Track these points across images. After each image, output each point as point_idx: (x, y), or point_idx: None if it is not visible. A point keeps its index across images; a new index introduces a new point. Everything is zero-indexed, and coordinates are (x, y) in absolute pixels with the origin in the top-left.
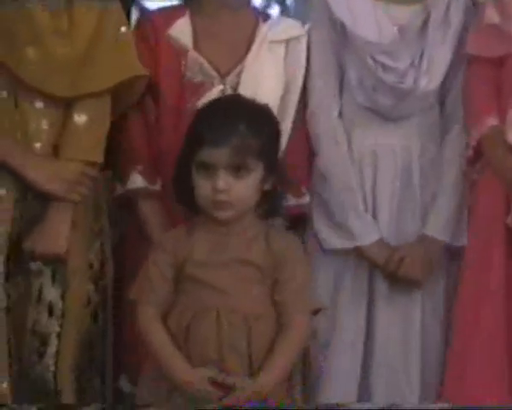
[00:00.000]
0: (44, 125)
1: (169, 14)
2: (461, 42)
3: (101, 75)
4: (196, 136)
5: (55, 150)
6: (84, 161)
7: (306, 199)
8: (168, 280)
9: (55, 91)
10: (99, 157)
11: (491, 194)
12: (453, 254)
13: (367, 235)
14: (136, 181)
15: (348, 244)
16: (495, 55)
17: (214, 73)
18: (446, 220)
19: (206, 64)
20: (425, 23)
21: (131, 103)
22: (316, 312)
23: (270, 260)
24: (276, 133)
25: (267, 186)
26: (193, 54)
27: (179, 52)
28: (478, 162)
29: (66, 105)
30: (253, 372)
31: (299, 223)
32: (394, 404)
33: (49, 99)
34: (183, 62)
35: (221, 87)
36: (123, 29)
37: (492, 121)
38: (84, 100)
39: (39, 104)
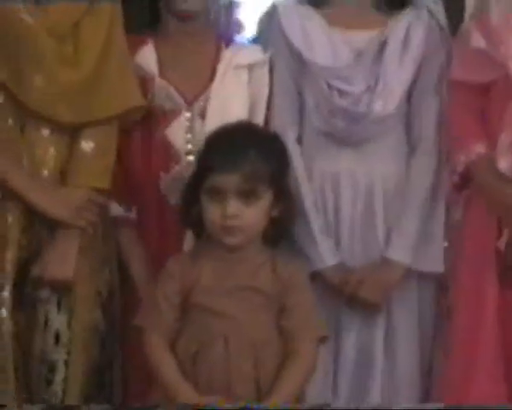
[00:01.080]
0: (51, 152)
1: (133, 41)
2: (424, 63)
3: (109, 102)
4: (206, 161)
5: (63, 177)
6: (92, 187)
7: None
8: (175, 307)
9: (61, 118)
10: (106, 184)
11: (481, 219)
12: (425, 277)
13: (324, 259)
14: (115, 208)
15: (307, 267)
16: (484, 81)
17: (181, 101)
18: (409, 244)
19: (172, 91)
20: (382, 47)
21: (125, 129)
22: (322, 340)
23: (277, 286)
24: (285, 161)
25: (274, 213)
26: (159, 81)
27: (145, 80)
28: (465, 189)
29: (73, 132)
30: (260, 398)
31: None
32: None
33: (56, 126)
34: (150, 90)
35: (188, 114)
36: (129, 58)
37: (480, 148)
38: (91, 127)
39: (46, 131)
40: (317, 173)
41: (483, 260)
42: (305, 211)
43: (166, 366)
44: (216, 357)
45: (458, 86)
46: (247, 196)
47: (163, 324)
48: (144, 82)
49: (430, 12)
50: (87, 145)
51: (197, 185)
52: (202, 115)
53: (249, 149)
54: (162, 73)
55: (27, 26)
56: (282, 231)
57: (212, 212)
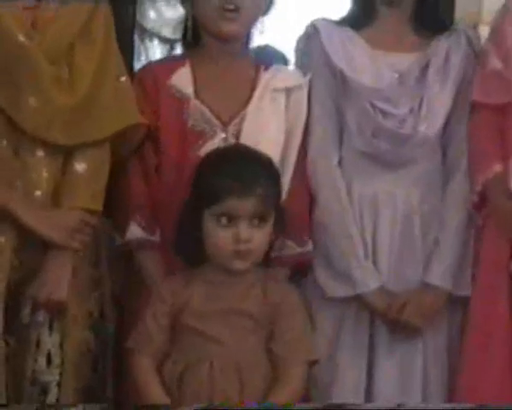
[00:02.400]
0: (44, 173)
1: (170, 64)
2: (461, 89)
3: (101, 124)
4: (215, 186)
5: (55, 198)
6: (84, 209)
7: (309, 247)
8: (165, 330)
9: (55, 141)
10: (99, 205)
11: (495, 240)
12: (455, 301)
13: (367, 282)
14: (135, 232)
15: (349, 292)
16: (498, 102)
17: (216, 122)
18: (449, 269)
19: (207, 112)
20: (424, 70)
21: (130, 151)
22: (312, 363)
23: (267, 310)
24: (280, 182)
25: (273, 235)
26: (195, 102)
27: (181, 101)
28: (484, 208)
29: (66, 153)
30: None
31: (298, 270)
32: (401, 404)
33: (50, 148)
34: (185, 111)
35: (223, 135)
36: (122, 78)
37: (498, 168)
38: (83, 148)
39: (40, 153)
40: (356, 196)
41: (496, 282)
42: (349, 234)
43: (152, 388)
44: (201, 379)
45: (477, 107)
46: (259, 219)
47: (152, 346)
48: (179, 103)
49: (468, 37)
50: (80, 167)
51: (199, 210)
52: (237, 137)
53: (260, 173)
54: (198, 94)
55: (23, 48)
56: (271, 250)
57: (221, 238)
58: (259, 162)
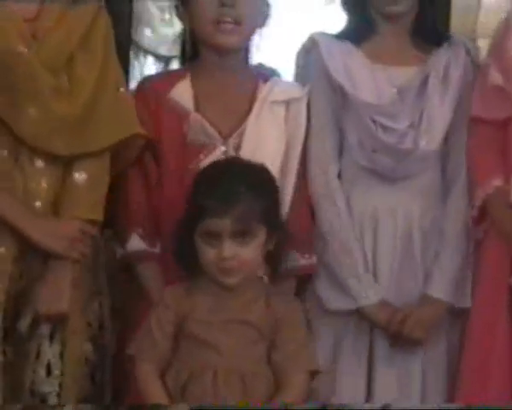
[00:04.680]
0: (44, 183)
1: (170, 77)
2: (461, 101)
3: (101, 134)
4: (198, 206)
5: (55, 208)
6: (84, 219)
7: (314, 259)
8: (169, 337)
9: (55, 150)
10: (99, 216)
11: (495, 254)
12: (455, 312)
13: (368, 296)
14: (136, 244)
15: (350, 305)
16: (499, 117)
17: (216, 135)
18: (450, 281)
19: (208, 126)
20: (424, 83)
21: (130, 161)
22: (314, 374)
23: (270, 321)
24: (276, 192)
25: (269, 246)
26: (195, 116)
27: (181, 114)
28: (483, 222)
29: (66, 164)
30: None
31: (299, 282)
32: (387, 404)
33: (50, 158)
34: (186, 125)
35: (223, 148)
36: (122, 89)
37: (498, 182)
38: (83, 159)
39: (40, 163)
40: (356, 210)
41: (496, 296)
42: (349, 247)
43: (157, 395)
44: (205, 388)
45: (478, 122)
46: (243, 236)
47: (156, 353)
48: (180, 116)
49: (467, 49)
50: (80, 177)
51: (191, 227)
52: (237, 150)
53: (239, 190)
54: (198, 108)
55: (23, 58)
56: (278, 262)
57: (208, 255)
58: (243, 179)
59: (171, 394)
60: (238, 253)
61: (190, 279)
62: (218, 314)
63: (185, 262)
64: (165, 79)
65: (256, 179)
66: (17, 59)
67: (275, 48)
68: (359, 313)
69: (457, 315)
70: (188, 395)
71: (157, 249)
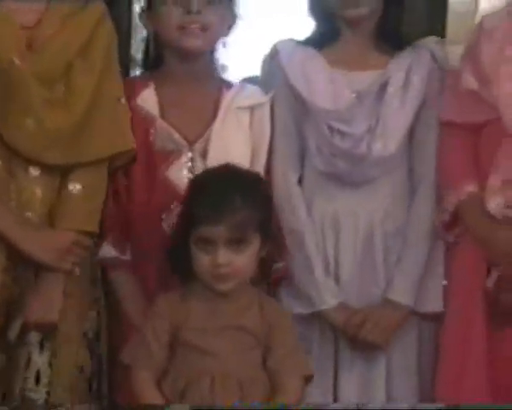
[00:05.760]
0: (39, 193)
1: (134, 84)
2: (424, 106)
3: (97, 144)
4: (193, 213)
5: (50, 219)
6: (79, 230)
7: (285, 263)
8: (165, 346)
9: (50, 161)
10: (94, 227)
11: (470, 259)
12: (426, 317)
13: (326, 300)
14: (108, 251)
15: (308, 309)
16: (475, 122)
17: (182, 141)
18: (411, 286)
19: (174, 132)
20: (384, 88)
21: (114, 171)
22: (308, 379)
23: (263, 327)
24: (269, 201)
25: (263, 253)
26: (161, 123)
27: (147, 121)
28: (455, 227)
29: (62, 173)
30: None
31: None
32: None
33: (45, 168)
34: (152, 131)
35: (190, 155)
36: (122, 100)
37: (471, 188)
38: (79, 169)
39: (34, 172)
40: (317, 214)
41: (471, 298)
42: (306, 252)
43: (154, 401)
44: (202, 394)
45: (450, 126)
46: (238, 243)
47: (152, 362)
48: (146, 123)
49: (432, 53)
50: (74, 187)
51: (185, 234)
52: (204, 155)
53: (234, 198)
54: (163, 115)
55: (18, 70)
56: (270, 269)
57: (202, 261)
58: (237, 189)
59: (169, 401)
60: (232, 260)
61: (184, 286)
62: (213, 320)
63: (179, 269)
64: (130, 85)
65: (250, 188)
66: (10, 70)
67: (247, 54)
68: (321, 317)
69: (428, 320)
70: (186, 402)
71: (127, 256)
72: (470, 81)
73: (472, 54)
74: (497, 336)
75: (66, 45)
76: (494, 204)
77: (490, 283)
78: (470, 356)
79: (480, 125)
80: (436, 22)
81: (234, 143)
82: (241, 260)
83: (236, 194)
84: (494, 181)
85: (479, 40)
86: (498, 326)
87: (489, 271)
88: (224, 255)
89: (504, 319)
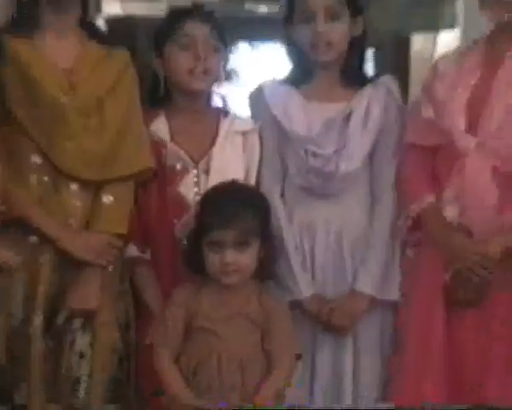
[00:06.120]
0: (78, 204)
1: (148, 114)
2: (381, 133)
3: (126, 164)
4: (206, 221)
5: (87, 225)
6: (111, 233)
7: None
8: (179, 330)
9: (87, 177)
10: (123, 230)
11: (431, 257)
12: (387, 305)
13: (302, 291)
14: (132, 251)
15: (288, 298)
16: (432, 145)
17: (189, 161)
18: (372, 278)
19: (182, 153)
20: (348, 117)
21: (138, 185)
22: (298, 357)
23: (262, 314)
24: (268, 212)
25: (261, 254)
26: (171, 146)
27: (160, 145)
28: (417, 230)
29: (97, 188)
30: (246, 401)
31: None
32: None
33: (82, 183)
34: (164, 152)
35: (195, 171)
36: (142, 128)
37: (430, 199)
38: (111, 183)
39: (75, 187)
40: (297, 222)
41: (433, 290)
42: (286, 252)
43: (171, 374)
44: (211, 371)
45: (412, 148)
46: (241, 245)
47: (170, 342)
48: (158, 146)
49: (387, 89)
50: (108, 199)
51: (199, 238)
52: (206, 172)
53: (240, 209)
54: (173, 139)
55: (61, 105)
56: (268, 267)
57: (213, 260)
58: (241, 201)
59: (184, 375)
60: (238, 259)
61: (197, 280)
62: (220, 309)
63: (194, 266)
64: (144, 115)
65: (254, 202)
66: (54, 104)
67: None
68: (298, 307)
69: (389, 308)
70: (198, 376)
71: (148, 256)
72: (428, 112)
73: (429, 90)
74: (454, 321)
75: (99, 86)
76: (450, 213)
77: (447, 277)
78: (431, 345)
79: (436, 148)
80: (399, 58)
81: (231, 162)
82: (244, 260)
83: (241, 206)
84: (449, 193)
85: (434, 80)
86: (454, 313)
87: (446, 268)
88: (230, 255)
89: (459, 307)
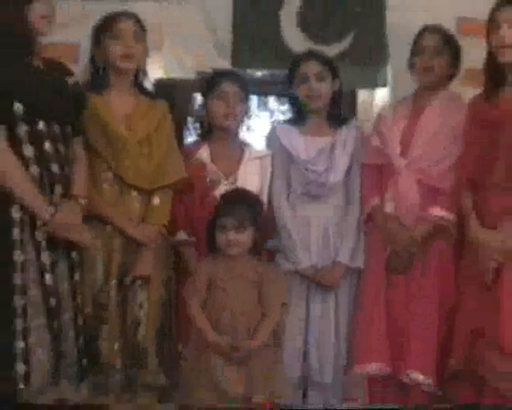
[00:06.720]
0: (137, 206)
1: (196, 145)
2: (353, 157)
3: (166, 177)
4: (218, 212)
5: (143, 219)
6: (158, 224)
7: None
8: (203, 290)
9: (142, 186)
10: (166, 221)
11: (377, 240)
12: (353, 271)
13: (302, 262)
14: (182, 235)
15: (292, 267)
16: (378, 164)
17: (222, 176)
18: (348, 251)
19: (218, 171)
20: (333, 147)
21: (178, 190)
22: (283, 305)
23: (258, 277)
24: (261, 208)
25: (256, 237)
26: (211, 166)
27: (203, 165)
28: (370, 222)
29: (148, 193)
30: (249, 338)
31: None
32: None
33: (139, 190)
34: (205, 171)
35: (226, 183)
36: (176, 151)
37: (377, 200)
38: (158, 190)
39: (134, 194)
40: (298, 215)
41: (378, 262)
42: (292, 237)
43: (200, 318)
44: (226, 320)
45: (366, 166)
46: (239, 228)
47: (197, 296)
48: (202, 165)
49: (356, 129)
50: (156, 201)
51: (213, 224)
52: (234, 184)
53: (238, 204)
54: (212, 161)
55: (124, 138)
56: (261, 246)
57: (221, 239)
58: (239, 199)
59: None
60: (237, 238)
61: (212, 254)
62: (228, 273)
63: (210, 244)
64: (195, 146)
65: (248, 199)
66: (120, 138)
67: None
68: (299, 273)
69: (356, 272)
70: (218, 325)
71: (192, 238)
72: (376, 141)
73: (376, 128)
74: (391, 283)
75: (148, 126)
76: (388, 209)
77: (387, 253)
78: (378, 297)
79: (381, 166)
80: (350, 111)
81: (251, 178)
82: (241, 238)
83: (240, 202)
84: (388, 196)
85: (379, 121)
86: (391, 277)
87: (386, 247)
88: (232, 235)
89: (395, 274)
